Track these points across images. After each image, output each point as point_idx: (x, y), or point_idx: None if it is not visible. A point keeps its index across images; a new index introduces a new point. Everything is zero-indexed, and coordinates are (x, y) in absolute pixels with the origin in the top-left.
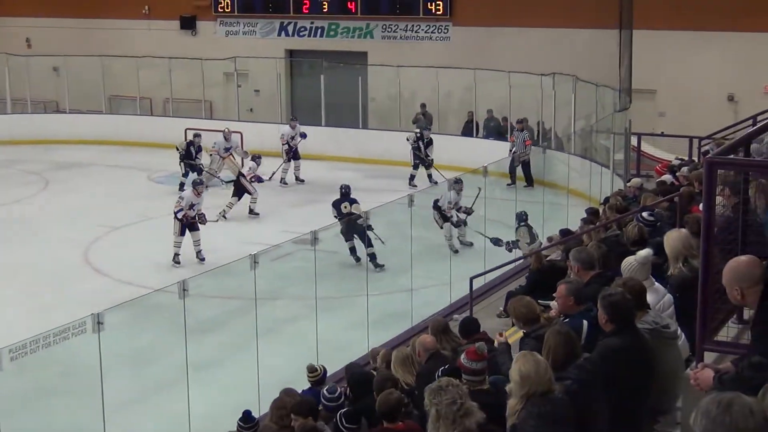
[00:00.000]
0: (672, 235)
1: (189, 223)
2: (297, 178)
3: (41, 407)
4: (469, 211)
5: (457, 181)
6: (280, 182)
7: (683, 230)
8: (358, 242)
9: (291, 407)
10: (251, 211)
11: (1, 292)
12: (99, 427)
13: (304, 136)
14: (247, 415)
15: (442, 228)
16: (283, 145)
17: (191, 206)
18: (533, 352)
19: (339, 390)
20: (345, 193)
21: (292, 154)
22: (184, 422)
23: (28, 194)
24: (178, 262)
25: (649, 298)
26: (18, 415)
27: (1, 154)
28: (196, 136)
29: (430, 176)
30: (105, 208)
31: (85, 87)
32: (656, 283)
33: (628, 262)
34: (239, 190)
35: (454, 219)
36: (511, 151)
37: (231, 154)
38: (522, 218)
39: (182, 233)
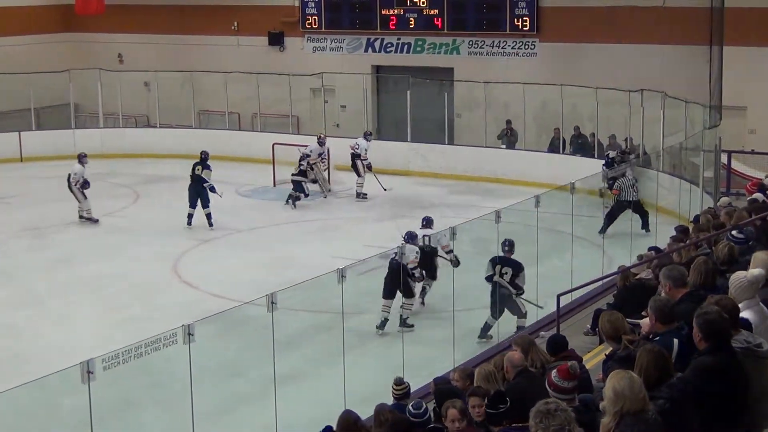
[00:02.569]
0: (759, 257)
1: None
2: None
3: (131, 417)
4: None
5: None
6: (359, 197)
7: None
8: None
9: (390, 425)
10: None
11: (92, 302)
12: None
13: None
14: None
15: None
16: (363, 159)
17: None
18: (627, 370)
19: (424, 405)
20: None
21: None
22: None
23: (119, 207)
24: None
25: (754, 317)
26: (109, 425)
27: (93, 167)
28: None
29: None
30: (194, 222)
31: (174, 102)
32: (761, 303)
33: (738, 278)
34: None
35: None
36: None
37: (321, 159)
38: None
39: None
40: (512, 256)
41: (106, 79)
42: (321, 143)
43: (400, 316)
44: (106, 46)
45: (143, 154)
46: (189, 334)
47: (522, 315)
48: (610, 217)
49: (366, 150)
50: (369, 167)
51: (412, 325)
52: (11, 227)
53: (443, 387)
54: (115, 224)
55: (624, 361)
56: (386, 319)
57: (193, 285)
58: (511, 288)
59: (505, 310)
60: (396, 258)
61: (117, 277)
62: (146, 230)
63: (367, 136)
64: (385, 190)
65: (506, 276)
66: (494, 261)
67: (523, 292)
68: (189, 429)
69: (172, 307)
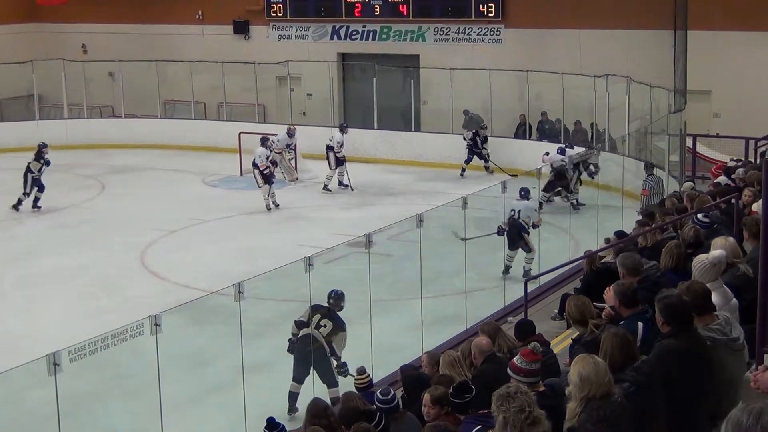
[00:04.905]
0: (718, 241)
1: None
2: (342, 183)
3: (99, 408)
4: None
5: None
6: (324, 189)
7: (730, 238)
8: None
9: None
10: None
11: (59, 294)
12: (156, 428)
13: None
14: (271, 422)
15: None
16: (337, 152)
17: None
18: (592, 355)
19: (392, 392)
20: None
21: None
22: (239, 424)
23: (85, 198)
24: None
25: (717, 299)
26: (77, 416)
27: (58, 159)
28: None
29: (487, 168)
30: (160, 212)
31: (140, 92)
32: (724, 285)
33: (700, 261)
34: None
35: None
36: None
37: (287, 151)
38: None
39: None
40: (339, 312)
41: (70, 69)
42: (290, 134)
43: (523, 268)
44: (70, 36)
45: (108, 145)
46: (156, 324)
47: (333, 384)
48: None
49: (340, 143)
50: (342, 161)
51: (536, 276)
52: None
53: (410, 373)
54: (80, 215)
55: (590, 345)
56: (508, 266)
57: (160, 276)
58: (326, 346)
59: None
60: (514, 216)
61: (83, 269)
62: (112, 221)
63: (342, 128)
64: (352, 190)
65: (324, 330)
66: (314, 308)
67: (339, 359)
68: (157, 419)
69: (139, 298)
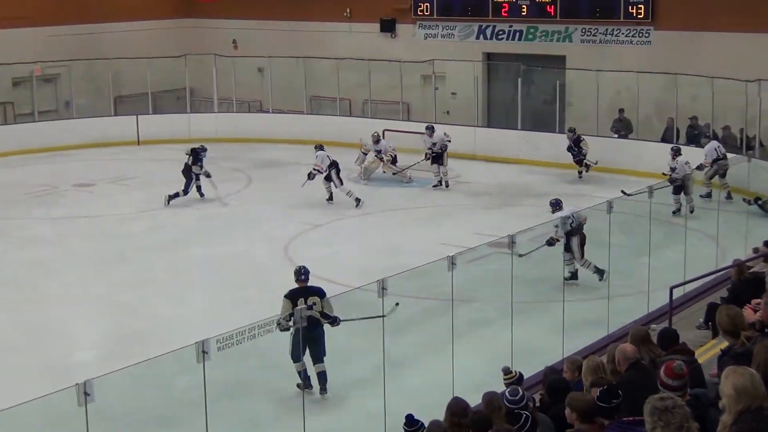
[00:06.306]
0: None
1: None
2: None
3: (243, 397)
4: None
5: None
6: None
7: None
8: None
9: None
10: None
11: (207, 283)
12: (298, 422)
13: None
14: (410, 419)
15: None
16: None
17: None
18: (744, 366)
19: (521, 392)
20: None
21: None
22: (380, 420)
23: (232, 191)
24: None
25: None
26: (222, 404)
27: (208, 152)
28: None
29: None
30: (305, 206)
31: (287, 87)
32: None
33: None
34: None
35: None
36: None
37: (379, 157)
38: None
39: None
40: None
41: (221, 64)
42: (375, 142)
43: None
44: (222, 31)
45: (256, 139)
46: (301, 317)
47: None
48: None
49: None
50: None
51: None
52: (128, 209)
53: (552, 378)
54: (227, 207)
55: (741, 357)
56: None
57: None
58: (323, 319)
59: None
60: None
61: (230, 259)
62: (258, 213)
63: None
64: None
65: (316, 306)
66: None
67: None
68: (299, 412)
69: (283, 289)
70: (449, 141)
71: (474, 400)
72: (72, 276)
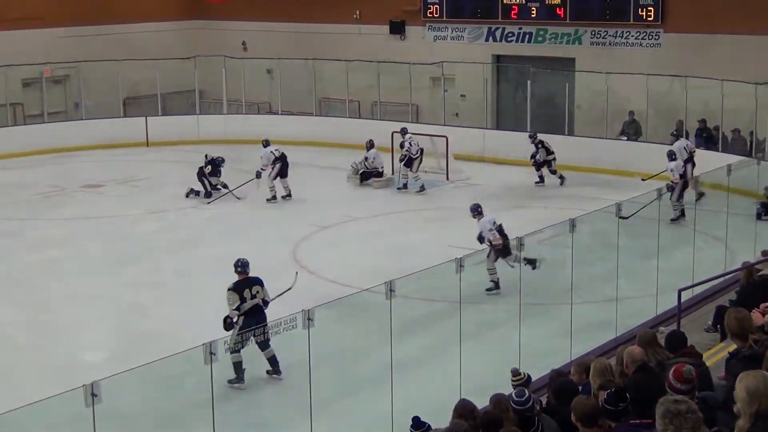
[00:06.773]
0: None
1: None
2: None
3: (250, 398)
4: None
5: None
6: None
7: None
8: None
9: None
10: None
11: (215, 284)
12: (305, 422)
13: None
14: (416, 420)
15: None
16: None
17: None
18: (759, 370)
19: (527, 394)
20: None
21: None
22: (386, 421)
23: (242, 192)
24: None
25: None
26: (230, 404)
27: (216, 153)
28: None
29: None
30: (313, 208)
31: (296, 89)
32: None
33: None
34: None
35: None
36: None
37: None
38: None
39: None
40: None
41: (231, 65)
42: (368, 148)
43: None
44: (231, 33)
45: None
46: (309, 319)
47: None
48: None
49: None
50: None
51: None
52: (138, 210)
53: (558, 381)
54: (236, 208)
55: (749, 359)
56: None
57: (311, 270)
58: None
59: None
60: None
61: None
62: (267, 215)
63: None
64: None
65: (259, 295)
66: (237, 287)
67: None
68: (306, 413)
69: (290, 292)
70: (421, 149)
71: (481, 402)
72: (82, 277)
